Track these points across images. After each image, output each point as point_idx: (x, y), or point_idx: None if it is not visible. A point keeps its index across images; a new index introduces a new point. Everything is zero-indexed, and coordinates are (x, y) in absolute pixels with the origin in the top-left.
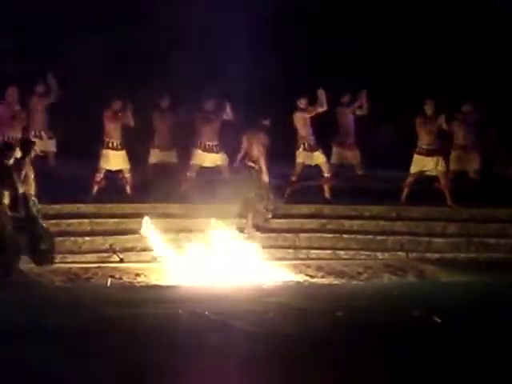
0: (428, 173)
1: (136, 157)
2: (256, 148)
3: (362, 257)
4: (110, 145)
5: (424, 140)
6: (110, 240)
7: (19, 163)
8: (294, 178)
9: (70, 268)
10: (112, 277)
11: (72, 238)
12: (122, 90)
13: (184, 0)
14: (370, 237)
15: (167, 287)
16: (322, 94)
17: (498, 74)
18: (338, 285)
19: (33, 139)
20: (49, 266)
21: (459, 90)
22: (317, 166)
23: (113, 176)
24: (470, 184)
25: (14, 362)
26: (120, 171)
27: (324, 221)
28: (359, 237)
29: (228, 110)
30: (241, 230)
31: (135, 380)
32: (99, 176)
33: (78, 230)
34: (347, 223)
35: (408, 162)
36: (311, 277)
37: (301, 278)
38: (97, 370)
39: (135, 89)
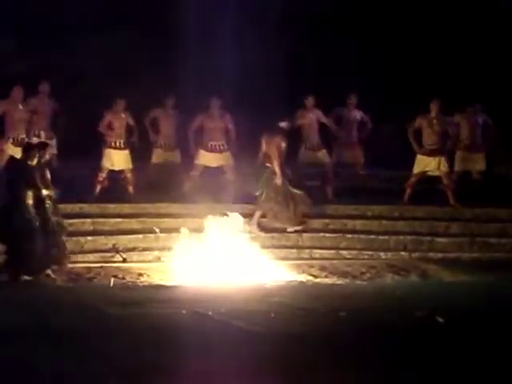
0: (430, 173)
1: (139, 156)
2: (271, 150)
3: (365, 256)
4: (113, 144)
5: (427, 140)
6: (113, 240)
7: (39, 165)
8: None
9: (73, 268)
10: (115, 276)
11: (74, 238)
12: (122, 89)
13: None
14: (372, 236)
15: (170, 287)
16: (331, 123)
17: (500, 74)
18: (341, 284)
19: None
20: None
21: (461, 90)
22: (318, 166)
23: (115, 176)
24: (472, 184)
25: (16, 363)
26: (122, 171)
27: (327, 221)
28: (362, 236)
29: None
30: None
31: (138, 380)
32: (102, 176)
33: (80, 230)
34: (350, 223)
35: (410, 162)
36: (314, 276)
37: (304, 277)
38: (100, 370)
39: (135, 88)
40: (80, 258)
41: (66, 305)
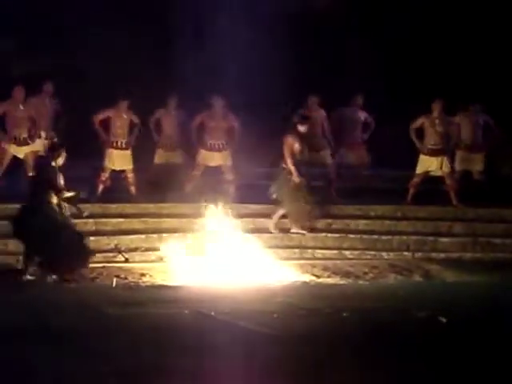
0: (433, 173)
1: (143, 156)
2: (284, 150)
3: (368, 257)
4: (115, 144)
5: (430, 140)
6: (115, 240)
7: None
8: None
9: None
10: (117, 277)
11: None
12: (122, 89)
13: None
14: (375, 237)
15: (172, 287)
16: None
17: (503, 73)
18: (343, 285)
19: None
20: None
21: (464, 91)
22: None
23: (117, 176)
24: (475, 184)
25: (18, 363)
26: (123, 171)
27: (329, 221)
28: (365, 237)
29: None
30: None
31: (140, 380)
32: (104, 175)
33: (82, 230)
34: (353, 223)
35: (413, 162)
36: (317, 277)
37: (307, 277)
38: (101, 370)
39: (135, 88)
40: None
41: (68, 305)
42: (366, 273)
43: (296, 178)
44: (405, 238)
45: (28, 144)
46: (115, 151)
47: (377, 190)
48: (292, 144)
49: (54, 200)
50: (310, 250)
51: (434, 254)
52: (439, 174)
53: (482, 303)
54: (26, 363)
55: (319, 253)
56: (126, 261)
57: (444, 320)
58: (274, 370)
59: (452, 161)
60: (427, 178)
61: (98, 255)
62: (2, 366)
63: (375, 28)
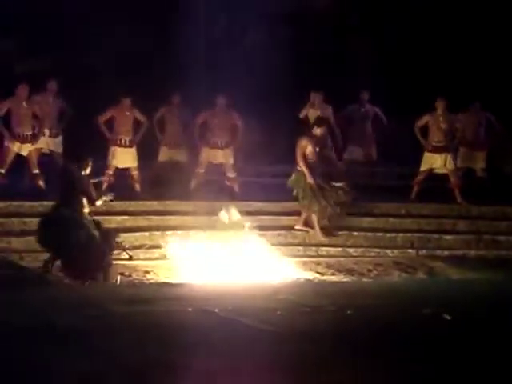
0: (437, 171)
1: (147, 154)
2: (297, 152)
3: (372, 254)
4: (119, 142)
5: (434, 137)
6: (120, 237)
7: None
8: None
9: None
10: (121, 274)
11: None
12: (125, 88)
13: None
14: (379, 234)
15: (176, 285)
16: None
17: (504, 71)
18: (347, 282)
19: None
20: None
21: (467, 89)
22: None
23: (122, 173)
24: (478, 182)
25: (22, 362)
26: (127, 169)
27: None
28: (369, 234)
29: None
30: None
31: (145, 378)
32: (109, 173)
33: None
34: (357, 220)
35: (417, 159)
36: (321, 274)
37: (311, 275)
38: (106, 368)
39: (135, 88)
40: None
41: (72, 303)
42: (370, 270)
43: (310, 180)
44: (409, 235)
45: (31, 142)
46: (119, 149)
47: (381, 188)
48: (305, 146)
49: (87, 209)
50: (313, 248)
51: (438, 252)
52: (443, 171)
53: (486, 300)
54: (31, 362)
55: (323, 250)
56: (131, 258)
57: (448, 317)
58: (276, 368)
59: (456, 158)
60: (431, 175)
61: None
62: (6, 365)
63: (375, 28)
